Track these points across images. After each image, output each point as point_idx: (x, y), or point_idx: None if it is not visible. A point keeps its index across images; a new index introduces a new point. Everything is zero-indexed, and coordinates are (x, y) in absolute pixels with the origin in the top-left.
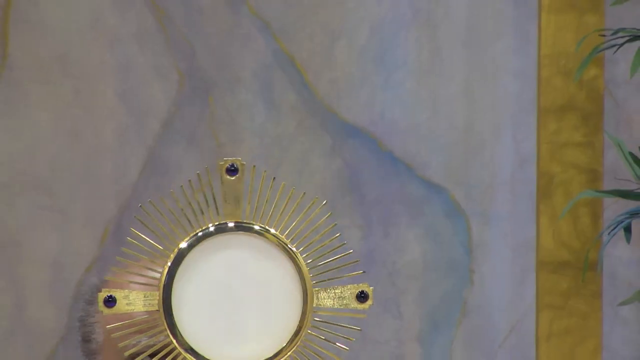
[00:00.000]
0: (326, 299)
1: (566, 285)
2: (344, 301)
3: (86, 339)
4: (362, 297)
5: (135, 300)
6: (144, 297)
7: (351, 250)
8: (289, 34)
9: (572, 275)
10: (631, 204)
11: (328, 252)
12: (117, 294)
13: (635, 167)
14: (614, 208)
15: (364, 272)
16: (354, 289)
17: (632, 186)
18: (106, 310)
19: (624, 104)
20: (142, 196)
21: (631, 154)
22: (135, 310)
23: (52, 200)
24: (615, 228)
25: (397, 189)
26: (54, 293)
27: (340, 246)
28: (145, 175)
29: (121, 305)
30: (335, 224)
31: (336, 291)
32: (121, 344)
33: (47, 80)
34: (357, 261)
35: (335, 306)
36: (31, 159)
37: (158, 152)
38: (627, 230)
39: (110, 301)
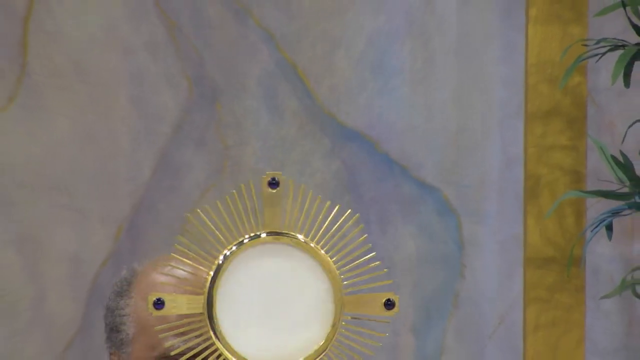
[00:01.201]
0: (356, 305)
1: (552, 280)
2: (372, 308)
3: (115, 329)
4: (389, 304)
5: (180, 303)
6: (188, 300)
7: (379, 262)
8: (291, 44)
9: (557, 270)
10: (613, 204)
11: (358, 262)
12: (165, 297)
13: (616, 169)
14: (596, 207)
15: (393, 281)
16: (382, 297)
17: (613, 187)
18: (155, 312)
19: (606, 110)
20: (154, 196)
21: (613, 156)
22: (180, 313)
23: (69, 199)
24: (597, 226)
25: (392, 189)
26: (72, 287)
27: (370, 257)
28: (157, 176)
29: (168, 308)
30: (366, 236)
31: (366, 298)
32: (167, 344)
33: (64, 87)
34: (385, 271)
35: (364, 313)
36: (50, 161)
37: (169, 154)
38: (609, 228)
39: (159, 303)
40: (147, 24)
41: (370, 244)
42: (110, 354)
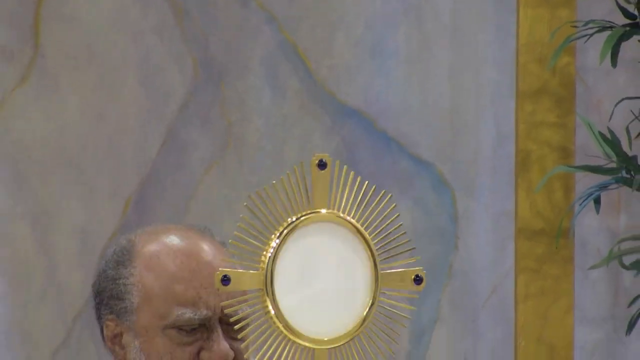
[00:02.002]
0: (389, 280)
1: (541, 251)
2: (403, 283)
3: (117, 297)
4: (417, 280)
5: (243, 280)
6: (250, 277)
7: (410, 239)
8: (292, 26)
9: (547, 242)
10: (600, 178)
11: (392, 240)
12: (231, 274)
13: (604, 145)
14: (584, 182)
15: (420, 258)
16: (411, 273)
17: (600, 162)
18: (222, 288)
19: (593, 88)
20: (160, 171)
21: (600, 133)
22: (242, 289)
23: (80, 175)
24: (585, 200)
25: (389, 164)
26: (81, 258)
27: (402, 234)
28: (164, 152)
29: (234, 284)
30: (399, 215)
31: (397, 274)
32: (233, 319)
33: (75, 68)
34: (414, 248)
35: (397, 287)
36: (61, 139)
37: (175, 131)
38: (597, 201)
39: (225, 280)
40: (155, 8)
41: (402, 222)
42: (107, 320)
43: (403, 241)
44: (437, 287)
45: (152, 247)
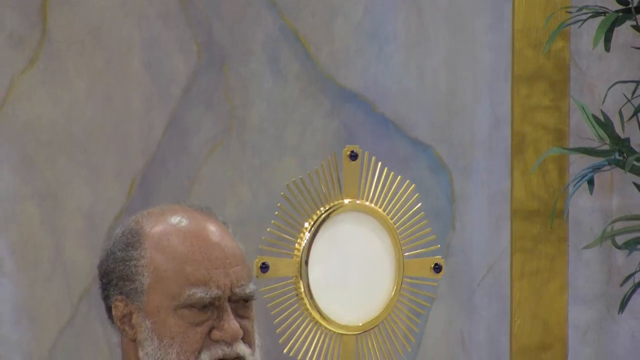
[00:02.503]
0: (411, 267)
1: (536, 231)
2: (423, 270)
3: (128, 279)
4: (437, 268)
5: (279, 267)
6: (286, 264)
7: (430, 229)
8: (293, 12)
9: (542, 222)
10: (593, 160)
11: (414, 229)
12: (269, 261)
13: (597, 128)
14: (578, 163)
15: (438, 246)
16: (431, 262)
17: (594, 144)
18: (260, 275)
19: (587, 72)
20: (164, 153)
21: (594, 116)
22: (278, 276)
23: (86, 157)
24: (579, 181)
25: (388, 146)
26: (88, 238)
27: (423, 224)
28: (168, 134)
29: (272, 271)
30: (420, 205)
31: (418, 262)
32: (269, 305)
33: (82, 53)
34: (433, 237)
35: (417, 275)
36: (68, 121)
37: (179, 114)
38: (590, 182)
39: (264, 267)
40: None
41: (423, 212)
42: (116, 300)
43: (425, 230)
44: None
45: (160, 229)
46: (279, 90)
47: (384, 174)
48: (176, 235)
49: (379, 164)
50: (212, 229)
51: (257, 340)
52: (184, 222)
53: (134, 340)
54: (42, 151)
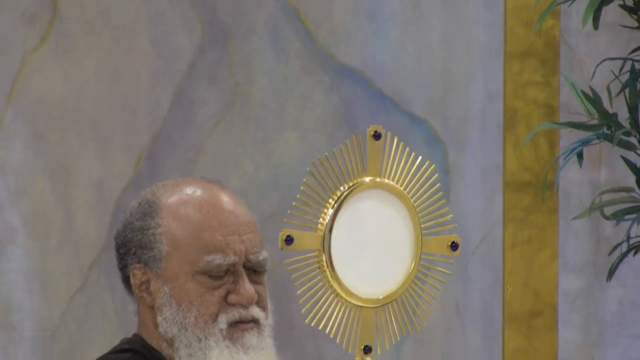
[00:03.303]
0: (429, 245)
1: (528, 202)
2: (441, 248)
3: (146, 247)
4: (454, 246)
5: (303, 240)
6: (309, 238)
7: (448, 208)
8: None
9: (533, 194)
10: (583, 134)
11: (433, 208)
12: (294, 234)
13: (586, 103)
14: (568, 137)
15: (456, 225)
16: (448, 240)
17: (583, 119)
18: (285, 247)
19: (576, 50)
20: (170, 128)
21: (583, 91)
22: (302, 248)
23: (95, 131)
24: (569, 154)
25: (385, 121)
26: (97, 210)
27: (441, 203)
28: (174, 110)
29: (296, 244)
30: (439, 185)
31: (436, 240)
32: (293, 276)
33: (92, 31)
34: (451, 216)
35: (435, 252)
36: (78, 97)
37: (184, 90)
38: (580, 156)
39: (289, 240)
40: None
41: (442, 192)
42: (133, 269)
43: (443, 210)
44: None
45: (176, 198)
46: (280, 67)
47: (406, 153)
48: (192, 204)
49: (401, 144)
50: (226, 198)
51: (269, 305)
52: (199, 192)
53: (152, 307)
54: (53, 126)
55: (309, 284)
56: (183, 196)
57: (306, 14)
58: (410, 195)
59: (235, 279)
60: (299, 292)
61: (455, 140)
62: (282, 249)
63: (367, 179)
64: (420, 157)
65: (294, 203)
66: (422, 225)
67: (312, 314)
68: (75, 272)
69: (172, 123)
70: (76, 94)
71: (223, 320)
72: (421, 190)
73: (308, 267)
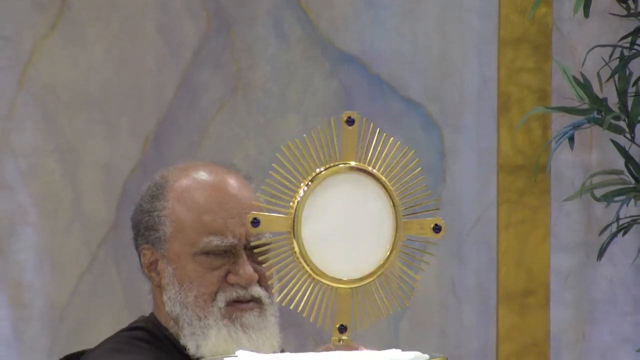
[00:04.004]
0: (410, 228)
1: (521, 184)
2: (423, 231)
3: (152, 228)
4: (437, 228)
5: (272, 222)
6: (278, 220)
7: (432, 191)
8: None
9: (526, 176)
10: (574, 118)
11: (414, 191)
12: (261, 217)
13: (577, 88)
14: (560, 121)
15: (438, 209)
16: (431, 222)
17: (574, 104)
18: (252, 229)
19: (568, 37)
20: (176, 111)
21: (574, 77)
22: (271, 231)
23: (103, 115)
24: (561, 138)
25: (383, 105)
26: (105, 191)
27: (423, 187)
28: (179, 94)
29: (264, 226)
30: (421, 169)
31: (417, 223)
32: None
33: (100, 18)
34: (435, 199)
35: (417, 235)
36: (87, 82)
37: (190, 75)
38: (571, 139)
39: (255, 222)
40: None
41: (424, 176)
42: (143, 249)
43: (425, 193)
44: (426, 216)
45: (183, 182)
46: (282, 53)
47: (383, 138)
48: (196, 187)
49: (378, 129)
50: (231, 182)
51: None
52: (205, 176)
53: (160, 286)
54: (62, 109)
55: (281, 264)
56: (189, 180)
57: (307, 2)
58: (388, 179)
59: (235, 260)
60: (267, 273)
61: (451, 124)
62: (249, 231)
63: (341, 164)
64: (398, 142)
65: (262, 186)
66: (403, 209)
67: (282, 293)
68: (83, 251)
69: (178, 107)
70: (85, 79)
71: (221, 299)
72: (401, 174)
73: (279, 249)
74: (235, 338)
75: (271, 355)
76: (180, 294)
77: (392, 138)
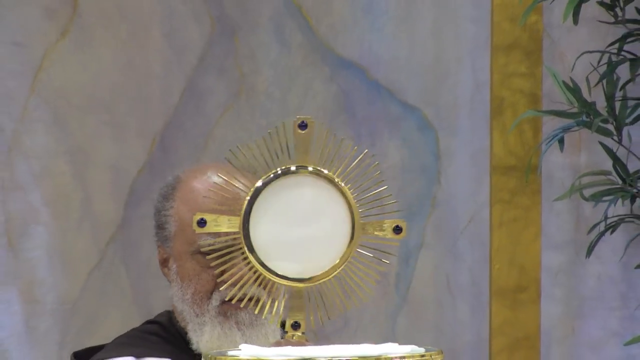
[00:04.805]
0: (369, 229)
1: (513, 185)
2: (384, 232)
3: (161, 227)
4: (397, 229)
5: (221, 223)
6: (229, 220)
7: (391, 194)
8: None
9: (518, 176)
10: (564, 121)
11: (374, 193)
12: (208, 217)
13: (567, 93)
14: (550, 124)
15: (400, 210)
16: (392, 223)
17: (564, 107)
18: (198, 229)
19: (558, 43)
20: (182, 115)
21: (564, 82)
22: (221, 231)
23: (112, 117)
24: (551, 140)
25: (381, 109)
26: (113, 191)
27: (383, 189)
28: (185, 98)
29: (210, 226)
30: (380, 172)
31: (377, 223)
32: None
33: (108, 25)
34: (396, 202)
35: (377, 236)
36: (96, 86)
37: (194, 80)
38: (561, 141)
39: (202, 222)
40: None
41: (384, 179)
42: (158, 247)
43: (386, 195)
44: (422, 216)
45: (190, 183)
46: (283, 58)
47: (341, 143)
48: (199, 189)
49: (334, 134)
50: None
51: None
52: (212, 178)
53: (170, 283)
54: (72, 113)
55: (230, 263)
56: (196, 181)
57: (308, 9)
58: (346, 182)
59: (231, 259)
60: (217, 271)
61: (446, 126)
62: (195, 230)
63: (293, 167)
64: (356, 147)
65: (209, 189)
66: (362, 210)
67: (232, 291)
68: (93, 249)
69: (183, 111)
70: (94, 83)
71: (217, 298)
72: (359, 177)
73: (229, 248)
74: (230, 335)
75: (273, 348)
76: (181, 291)
77: (349, 143)
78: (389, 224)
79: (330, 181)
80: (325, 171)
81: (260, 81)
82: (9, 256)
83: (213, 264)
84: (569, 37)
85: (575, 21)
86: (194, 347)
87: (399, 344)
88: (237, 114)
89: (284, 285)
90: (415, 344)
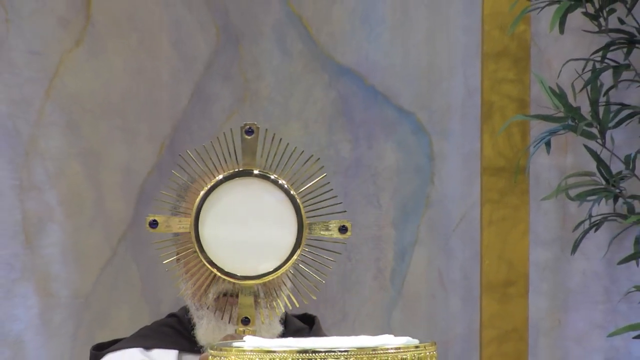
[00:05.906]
0: (316, 229)
1: (502, 185)
2: (330, 232)
3: None
4: (343, 229)
5: (172, 224)
6: (179, 221)
7: (337, 196)
8: (297, 0)
9: (507, 177)
10: (550, 125)
11: (320, 195)
12: (159, 218)
13: (553, 98)
14: (538, 127)
15: (345, 211)
16: (338, 223)
17: (551, 112)
18: (150, 230)
19: (545, 51)
20: (189, 119)
21: (550, 88)
22: (172, 231)
23: (123, 122)
24: (539, 143)
25: (378, 113)
26: (124, 191)
27: (329, 191)
28: (192, 103)
29: (162, 227)
30: (325, 175)
31: (323, 224)
32: (162, 255)
33: (120, 34)
34: (340, 203)
35: (323, 235)
36: (108, 92)
37: (201, 86)
38: (548, 144)
39: (153, 223)
40: None
41: (330, 182)
42: (174, 244)
43: (331, 197)
44: (416, 215)
45: (195, 186)
46: (285, 66)
47: (286, 147)
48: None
49: (280, 139)
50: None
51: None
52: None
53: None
54: (86, 117)
55: (183, 261)
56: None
57: (308, 19)
58: (291, 183)
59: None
60: (167, 269)
61: (439, 130)
62: (148, 231)
63: (238, 170)
64: (303, 151)
65: (161, 191)
66: (308, 211)
67: (184, 289)
68: (105, 247)
69: (191, 115)
70: (106, 89)
71: (214, 293)
72: (304, 179)
73: (180, 247)
74: (224, 329)
75: (276, 339)
76: (184, 285)
77: (295, 147)
78: (335, 224)
79: (277, 183)
80: (272, 175)
81: (264, 87)
82: (26, 252)
83: (165, 261)
84: (556, 45)
85: (561, 30)
86: (197, 339)
87: (395, 336)
88: (241, 118)
89: (235, 283)
90: (409, 336)
